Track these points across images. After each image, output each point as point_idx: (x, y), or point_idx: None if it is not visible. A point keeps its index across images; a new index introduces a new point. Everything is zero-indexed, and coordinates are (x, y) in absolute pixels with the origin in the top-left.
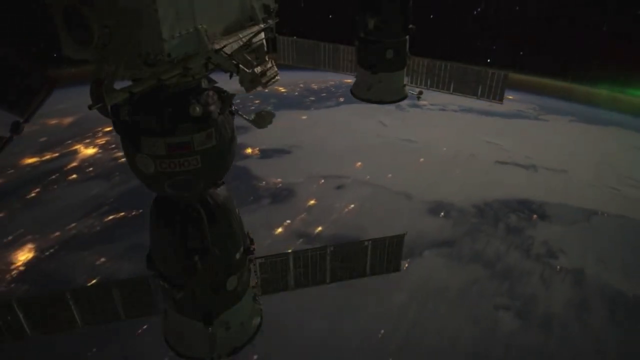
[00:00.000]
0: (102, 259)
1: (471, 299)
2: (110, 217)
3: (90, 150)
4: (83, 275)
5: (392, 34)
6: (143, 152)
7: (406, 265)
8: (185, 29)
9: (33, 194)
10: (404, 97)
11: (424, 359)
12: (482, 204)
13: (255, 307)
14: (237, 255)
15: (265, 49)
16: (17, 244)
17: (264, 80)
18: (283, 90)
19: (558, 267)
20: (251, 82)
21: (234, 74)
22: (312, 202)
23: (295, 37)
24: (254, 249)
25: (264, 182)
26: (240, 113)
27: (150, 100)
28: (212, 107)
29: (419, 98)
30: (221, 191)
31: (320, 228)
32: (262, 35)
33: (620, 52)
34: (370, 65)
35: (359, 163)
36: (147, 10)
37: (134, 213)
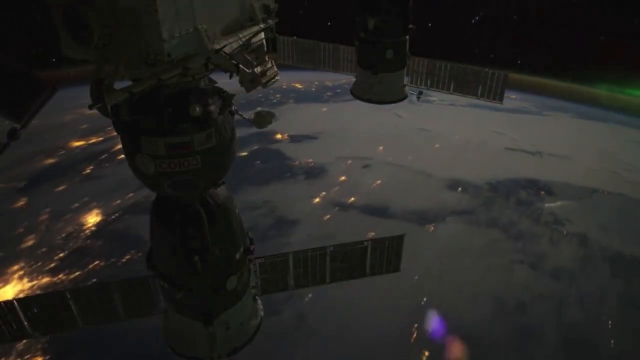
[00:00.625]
0: None
1: (490, 255)
2: None
3: None
4: None
5: (392, 34)
6: (143, 152)
7: (432, 228)
8: (185, 29)
9: (88, 170)
10: (404, 97)
11: (452, 298)
12: (494, 181)
13: (255, 307)
14: (237, 255)
15: (265, 49)
16: (85, 209)
17: (264, 80)
18: (300, 86)
19: (564, 232)
20: (251, 82)
21: (234, 74)
22: (342, 178)
23: (295, 37)
24: (254, 249)
25: (297, 162)
26: (240, 113)
27: (150, 100)
28: (212, 107)
29: (419, 98)
30: (221, 191)
31: (352, 199)
32: (262, 35)
33: (619, 52)
34: (370, 65)
35: (381, 147)
36: (147, 10)
37: None
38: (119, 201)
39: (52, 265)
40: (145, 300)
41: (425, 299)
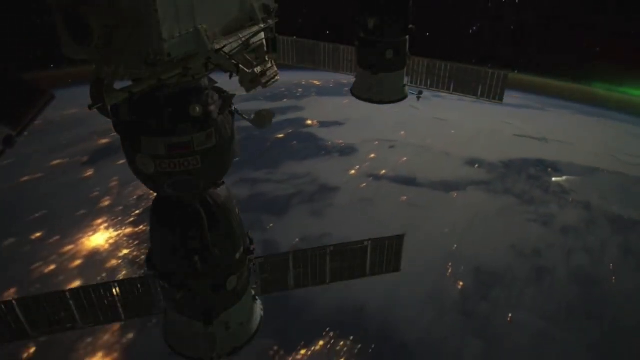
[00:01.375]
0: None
1: (507, 215)
2: None
3: None
4: None
5: (392, 34)
6: (143, 152)
7: (455, 195)
8: (185, 29)
9: None
10: (404, 97)
11: (478, 246)
12: (507, 160)
13: (255, 307)
14: (237, 255)
15: (265, 49)
16: None
17: (264, 80)
18: (318, 83)
19: (570, 199)
20: (251, 82)
21: (234, 74)
22: (372, 155)
23: (295, 37)
24: (254, 249)
25: (329, 142)
26: (240, 113)
27: (150, 100)
28: (212, 107)
29: (418, 98)
30: (221, 191)
31: (383, 171)
32: (262, 35)
33: (618, 51)
34: (370, 65)
35: (403, 132)
36: (147, 10)
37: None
38: None
39: (131, 219)
40: (145, 300)
41: (455, 246)
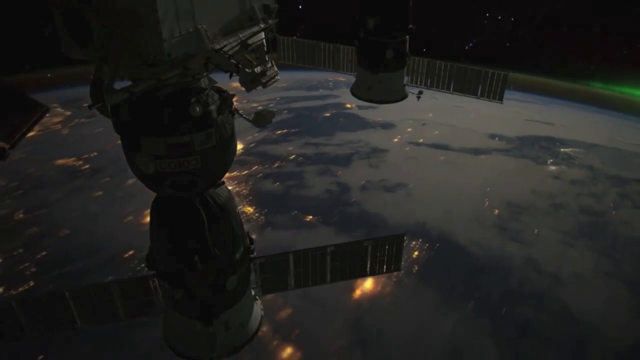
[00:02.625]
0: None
1: (525, 172)
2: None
3: None
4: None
5: (392, 34)
6: (143, 152)
7: (483, 157)
8: (185, 29)
9: None
10: (404, 97)
11: (505, 189)
12: (521, 136)
13: (255, 307)
14: (237, 255)
15: (265, 49)
16: None
17: (263, 80)
18: (343, 79)
19: (576, 163)
20: (251, 82)
21: (234, 74)
22: (409, 129)
23: (295, 37)
24: (254, 249)
25: (371, 120)
26: (240, 113)
27: (150, 100)
28: (212, 107)
29: (419, 98)
30: (221, 191)
31: (421, 140)
32: (262, 35)
33: (616, 52)
34: (370, 65)
35: (430, 114)
36: (147, 10)
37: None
38: (250, 137)
39: None
40: (145, 300)
41: (488, 188)
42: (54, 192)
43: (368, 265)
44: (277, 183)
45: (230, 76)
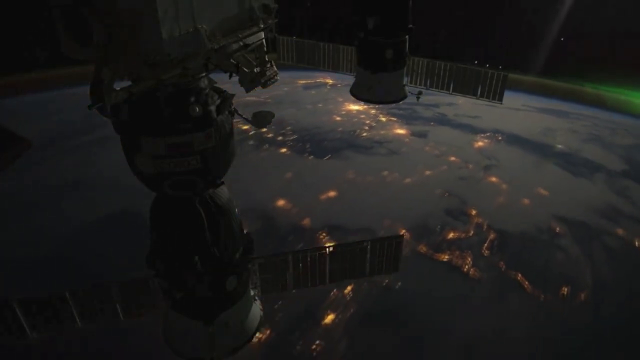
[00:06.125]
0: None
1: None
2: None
3: None
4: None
5: (392, 34)
6: (143, 152)
7: (499, 137)
8: (185, 29)
9: None
10: (404, 97)
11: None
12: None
13: (254, 308)
14: (237, 255)
15: (265, 49)
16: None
17: (263, 80)
18: None
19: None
20: (251, 82)
21: (234, 74)
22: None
23: (295, 37)
24: (253, 249)
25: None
26: (239, 113)
27: (150, 100)
28: (212, 107)
29: (418, 98)
30: (221, 191)
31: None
32: (262, 35)
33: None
34: (370, 65)
35: (460, 101)
36: (147, 10)
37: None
38: None
39: None
40: (145, 300)
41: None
42: None
43: (367, 266)
44: None
45: (230, 76)
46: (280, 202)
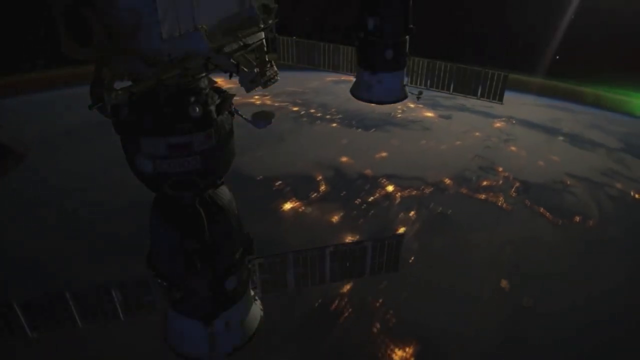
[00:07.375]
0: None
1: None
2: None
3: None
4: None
5: (392, 34)
6: (143, 152)
7: (513, 121)
8: (185, 29)
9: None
10: (404, 98)
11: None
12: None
13: (254, 307)
14: (237, 255)
15: (265, 49)
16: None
17: (263, 80)
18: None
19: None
20: (251, 82)
21: (234, 74)
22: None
23: (295, 37)
24: (253, 249)
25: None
26: (239, 113)
27: (150, 100)
28: (212, 107)
29: (418, 98)
30: (221, 191)
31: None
32: (262, 35)
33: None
34: (370, 65)
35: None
36: (147, 10)
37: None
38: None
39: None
40: (145, 300)
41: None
42: None
43: (367, 266)
44: None
45: (230, 76)
46: (344, 159)
